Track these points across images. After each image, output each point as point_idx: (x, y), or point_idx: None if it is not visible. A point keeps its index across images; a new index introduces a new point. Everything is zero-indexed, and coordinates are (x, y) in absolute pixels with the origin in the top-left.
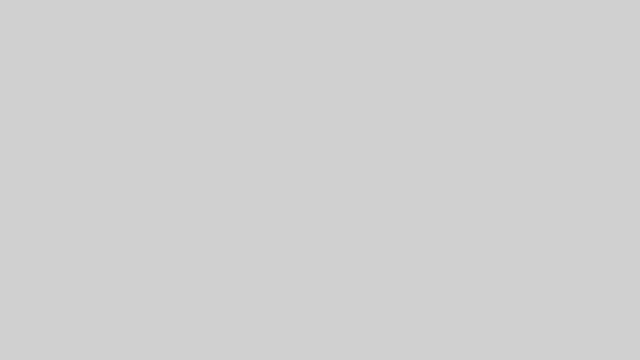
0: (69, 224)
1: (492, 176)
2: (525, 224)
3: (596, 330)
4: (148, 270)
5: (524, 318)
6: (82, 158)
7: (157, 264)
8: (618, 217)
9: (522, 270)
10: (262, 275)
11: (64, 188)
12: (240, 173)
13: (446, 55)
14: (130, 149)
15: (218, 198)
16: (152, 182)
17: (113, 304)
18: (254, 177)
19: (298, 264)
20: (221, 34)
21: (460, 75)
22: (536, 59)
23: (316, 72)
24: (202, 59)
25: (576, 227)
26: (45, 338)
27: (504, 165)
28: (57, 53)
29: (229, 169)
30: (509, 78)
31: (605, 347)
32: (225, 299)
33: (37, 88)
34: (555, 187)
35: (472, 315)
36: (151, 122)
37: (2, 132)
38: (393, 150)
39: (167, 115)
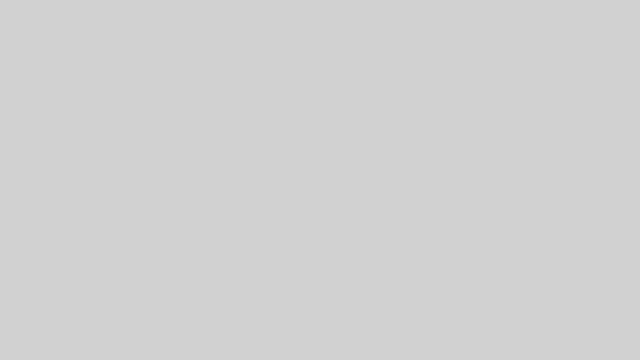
0: (69, 224)
1: (492, 177)
2: (526, 224)
3: (596, 330)
4: (148, 271)
5: (524, 318)
6: (82, 158)
7: (157, 265)
8: (618, 217)
9: (522, 270)
10: (262, 275)
11: (64, 188)
12: (240, 173)
13: (446, 55)
14: (131, 149)
15: (218, 199)
16: (152, 183)
17: (113, 304)
18: (254, 177)
19: (298, 265)
20: (221, 34)
21: (461, 75)
22: (536, 59)
23: (316, 72)
24: (202, 59)
25: (576, 228)
26: (45, 338)
27: (504, 165)
28: (57, 53)
29: (229, 169)
30: (509, 78)
31: (605, 347)
32: (225, 299)
33: (37, 88)
34: (555, 187)
35: (472, 316)
36: (151, 122)
37: (2, 132)
38: (393, 150)
39: (167, 115)
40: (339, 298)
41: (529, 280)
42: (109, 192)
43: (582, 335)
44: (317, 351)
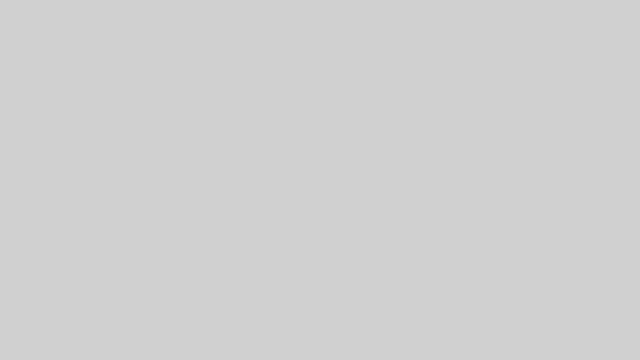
0: (69, 224)
1: (492, 177)
2: (525, 224)
3: (596, 330)
4: (148, 271)
5: (524, 318)
6: (82, 158)
7: (157, 265)
8: (618, 217)
9: (522, 270)
10: (262, 275)
11: (64, 188)
12: (240, 173)
13: (446, 55)
14: (131, 149)
15: (218, 199)
16: (152, 183)
17: (113, 304)
18: (254, 177)
19: (298, 265)
20: (221, 34)
21: (460, 75)
22: (536, 59)
23: (316, 72)
24: (202, 59)
25: (576, 228)
26: (45, 338)
27: (504, 165)
28: (57, 53)
29: (229, 169)
30: (509, 78)
31: (605, 347)
32: (225, 299)
33: (37, 88)
34: (555, 187)
35: (472, 316)
36: (151, 122)
37: (2, 132)
38: (393, 150)
39: (167, 115)
40: (339, 298)
41: (529, 280)
42: (109, 193)
43: (582, 335)
44: (317, 351)
